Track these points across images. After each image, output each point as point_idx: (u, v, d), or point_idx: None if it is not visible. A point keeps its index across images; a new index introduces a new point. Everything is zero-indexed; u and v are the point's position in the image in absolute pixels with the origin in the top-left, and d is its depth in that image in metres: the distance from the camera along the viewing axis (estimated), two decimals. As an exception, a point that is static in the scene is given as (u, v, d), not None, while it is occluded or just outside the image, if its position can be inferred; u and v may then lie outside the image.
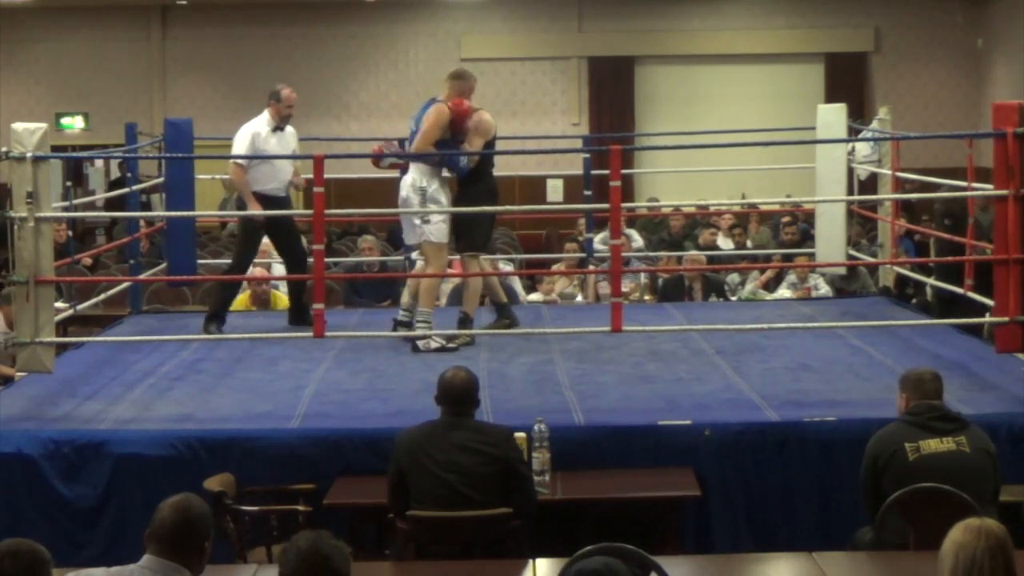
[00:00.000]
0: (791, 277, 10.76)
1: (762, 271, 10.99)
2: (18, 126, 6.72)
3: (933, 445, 5.05)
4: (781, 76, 18.81)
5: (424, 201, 7.79)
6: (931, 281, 9.05)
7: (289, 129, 8.55)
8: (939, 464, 4.99)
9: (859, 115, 13.89)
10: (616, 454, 6.02)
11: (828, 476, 6.00)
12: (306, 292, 8.58)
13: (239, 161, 8.33)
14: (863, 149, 9.49)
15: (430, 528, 5.19)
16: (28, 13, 18.53)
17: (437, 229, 7.82)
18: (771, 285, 10.88)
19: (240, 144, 8.40)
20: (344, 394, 6.90)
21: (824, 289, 10.69)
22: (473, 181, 7.92)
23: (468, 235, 8.03)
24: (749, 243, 13.05)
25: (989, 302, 7.03)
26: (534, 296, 11.00)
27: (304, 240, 9.01)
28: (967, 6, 18.59)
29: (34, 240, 6.60)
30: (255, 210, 8.25)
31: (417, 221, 7.84)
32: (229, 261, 9.07)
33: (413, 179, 7.85)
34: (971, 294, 7.45)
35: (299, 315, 8.61)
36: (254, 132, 8.39)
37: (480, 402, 5.54)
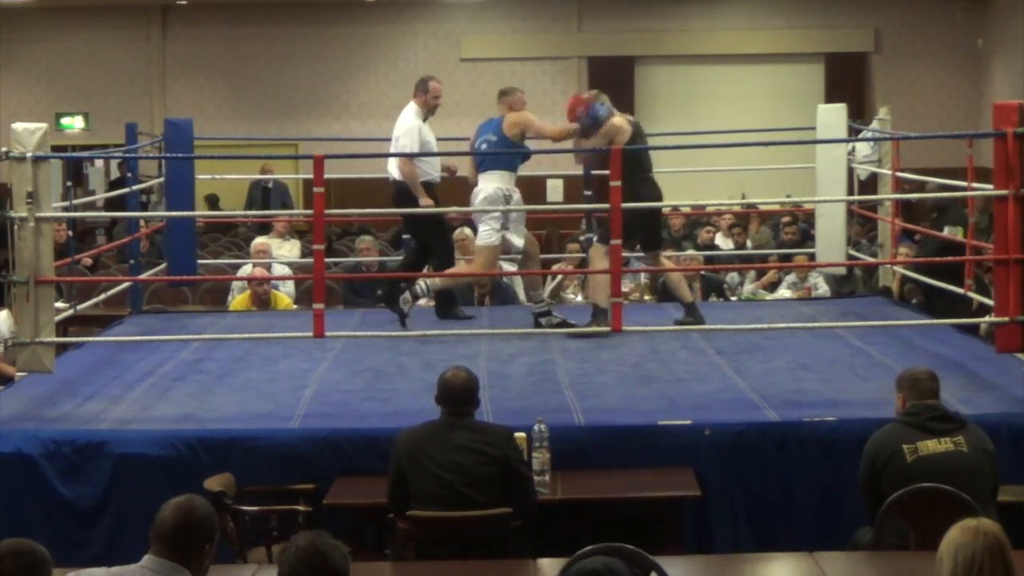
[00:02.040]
0: (791, 277, 10.75)
1: (762, 272, 10.98)
2: (18, 126, 6.72)
3: (931, 446, 5.04)
4: (781, 76, 18.79)
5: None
6: (903, 271, 9.14)
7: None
8: (937, 465, 4.98)
9: (859, 115, 13.88)
10: (616, 454, 6.02)
11: (828, 476, 6.00)
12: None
13: (408, 151, 8.41)
14: (863, 149, 9.49)
15: (430, 528, 5.19)
16: (28, 13, 18.52)
17: (491, 233, 8.10)
18: (771, 285, 10.87)
19: (411, 137, 8.49)
20: (344, 394, 6.90)
21: (824, 289, 10.68)
22: (632, 182, 7.73)
23: (635, 233, 8.12)
24: (749, 243, 13.04)
25: (959, 290, 7.41)
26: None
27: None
28: (967, 6, 18.58)
29: (34, 240, 6.60)
30: (425, 200, 8.41)
31: (497, 225, 8.06)
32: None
33: (498, 187, 8.06)
34: (954, 288, 7.62)
35: (447, 307, 8.72)
36: (417, 125, 8.52)
37: (480, 402, 5.54)
